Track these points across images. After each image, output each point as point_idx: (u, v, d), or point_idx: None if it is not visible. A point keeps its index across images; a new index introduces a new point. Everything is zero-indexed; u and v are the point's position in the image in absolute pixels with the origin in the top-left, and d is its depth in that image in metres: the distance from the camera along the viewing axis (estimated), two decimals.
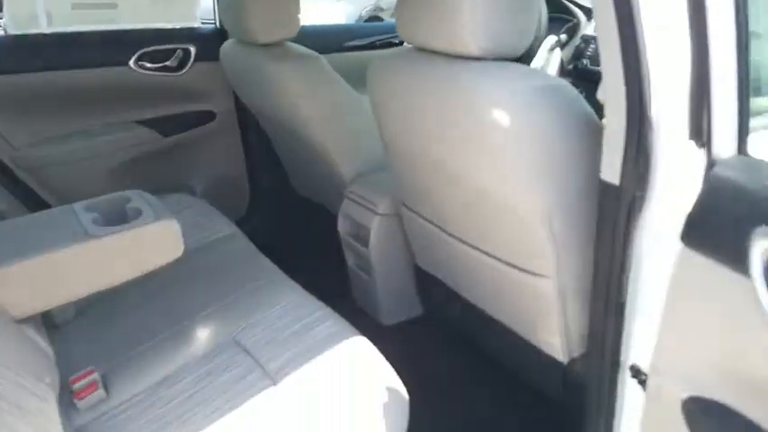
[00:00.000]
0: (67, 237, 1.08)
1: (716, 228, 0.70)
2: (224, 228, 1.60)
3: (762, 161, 0.72)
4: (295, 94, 1.60)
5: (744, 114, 0.70)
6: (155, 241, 1.16)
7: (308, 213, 2.16)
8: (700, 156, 0.73)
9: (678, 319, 0.77)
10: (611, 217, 0.82)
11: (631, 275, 0.84)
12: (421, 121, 1.11)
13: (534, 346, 1.20)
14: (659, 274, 0.77)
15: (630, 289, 0.85)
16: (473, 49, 0.98)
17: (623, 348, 0.90)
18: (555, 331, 1.11)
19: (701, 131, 0.71)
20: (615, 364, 0.92)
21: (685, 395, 0.76)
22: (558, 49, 2.13)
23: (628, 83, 0.75)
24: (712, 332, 0.73)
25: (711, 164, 0.72)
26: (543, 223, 0.99)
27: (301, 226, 2.21)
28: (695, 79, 0.71)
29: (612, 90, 0.77)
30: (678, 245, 0.72)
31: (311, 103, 1.61)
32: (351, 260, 1.76)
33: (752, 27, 0.94)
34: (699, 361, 0.75)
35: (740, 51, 0.68)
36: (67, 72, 1.79)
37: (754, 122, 0.77)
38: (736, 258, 0.65)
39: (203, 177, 2.18)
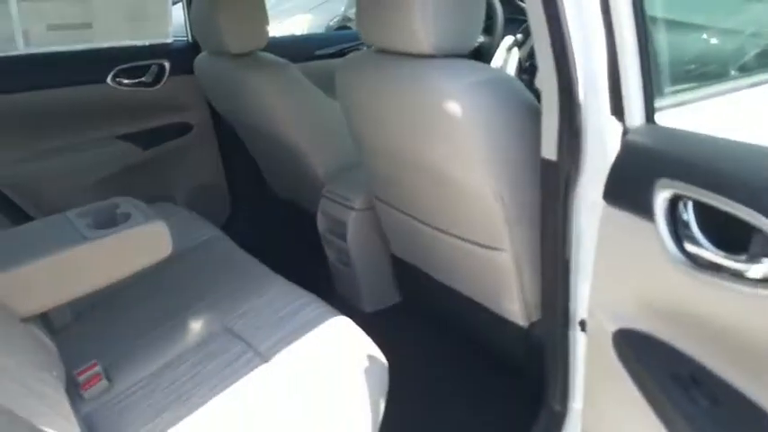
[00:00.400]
0: (65, 240, 1.16)
1: (628, 183, 0.83)
2: (209, 231, 1.69)
3: (664, 127, 0.85)
4: (269, 101, 1.70)
5: (648, 91, 0.84)
6: (145, 241, 1.25)
7: (287, 215, 2.25)
8: (617, 127, 0.86)
9: (605, 267, 0.90)
10: (551, 189, 0.95)
11: (573, 240, 0.96)
12: (385, 117, 1.23)
13: (498, 315, 1.32)
14: (593, 233, 0.90)
15: (573, 252, 0.97)
16: (426, 47, 1.10)
17: (572, 306, 1.02)
18: (514, 298, 1.23)
19: (618, 107, 0.85)
20: (566, 322, 1.03)
21: (614, 329, 0.89)
22: (515, 49, 2.27)
23: (559, 73, 0.88)
24: (630, 272, 0.86)
25: (625, 132, 0.85)
26: (496, 200, 1.11)
27: (282, 227, 2.30)
28: (610, 68, 0.85)
29: (547, 79, 0.90)
30: (602, 203, 0.85)
31: (285, 108, 1.71)
32: (331, 255, 1.85)
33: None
34: (622, 299, 0.88)
35: (641, 45, 0.82)
36: (48, 91, 1.86)
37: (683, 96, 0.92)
38: (644, 207, 0.78)
39: (184, 187, 2.25)
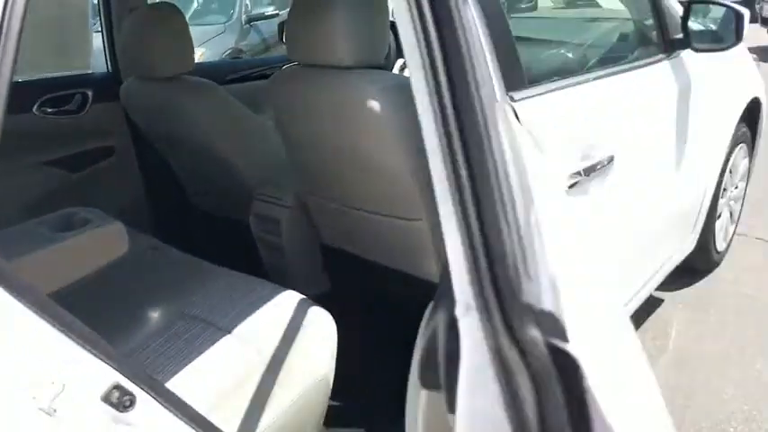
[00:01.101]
0: (36, 243, 1.27)
1: None
2: (145, 240, 1.79)
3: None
4: (202, 119, 1.87)
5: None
6: (106, 240, 1.36)
7: (214, 227, 2.38)
8: None
9: None
10: None
11: None
12: (318, 119, 1.48)
13: (421, 279, 1.58)
14: None
15: None
16: (347, 60, 1.37)
17: None
18: (432, 261, 1.50)
19: None
20: None
21: None
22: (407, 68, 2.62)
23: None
24: None
25: None
26: (412, 177, 1.39)
27: (209, 239, 2.41)
28: None
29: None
30: None
31: (215, 125, 1.89)
32: (265, 254, 2.01)
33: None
34: None
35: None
36: None
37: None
38: None
39: (109, 208, 2.30)
